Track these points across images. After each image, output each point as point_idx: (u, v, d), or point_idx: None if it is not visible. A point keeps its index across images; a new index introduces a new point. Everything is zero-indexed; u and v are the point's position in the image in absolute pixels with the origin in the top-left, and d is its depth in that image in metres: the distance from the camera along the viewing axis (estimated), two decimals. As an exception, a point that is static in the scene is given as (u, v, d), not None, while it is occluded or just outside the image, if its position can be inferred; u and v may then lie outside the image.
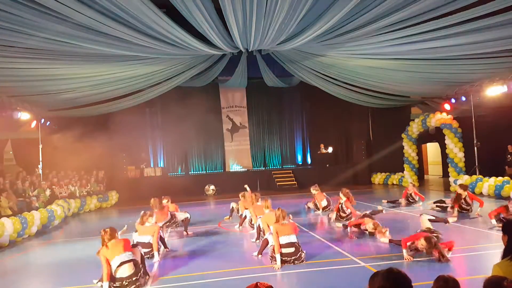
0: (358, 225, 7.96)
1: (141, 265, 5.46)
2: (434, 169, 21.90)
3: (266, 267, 6.04)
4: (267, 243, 6.35)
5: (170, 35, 9.37)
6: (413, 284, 2.18)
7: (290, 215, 7.83)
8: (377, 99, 16.59)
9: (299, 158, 21.66)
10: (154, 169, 18.65)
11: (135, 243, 6.42)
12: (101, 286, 5.18)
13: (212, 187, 18.36)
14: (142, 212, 7.34)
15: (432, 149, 21.84)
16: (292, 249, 6.01)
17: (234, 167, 20.54)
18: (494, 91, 12.70)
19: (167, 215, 9.32)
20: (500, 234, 3.24)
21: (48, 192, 12.79)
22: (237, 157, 20.61)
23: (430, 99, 16.86)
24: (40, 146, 14.14)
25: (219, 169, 20.69)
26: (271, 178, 18.64)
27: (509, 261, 2.89)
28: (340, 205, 9.42)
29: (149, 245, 6.75)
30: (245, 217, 9.37)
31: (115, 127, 16.02)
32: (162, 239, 7.29)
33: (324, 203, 11.04)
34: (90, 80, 12.19)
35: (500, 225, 6.07)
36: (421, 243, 5.86)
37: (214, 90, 19.94)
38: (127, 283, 5.13)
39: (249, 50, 12.18)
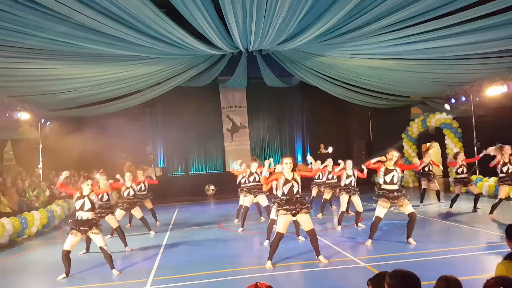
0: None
1: None
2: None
3: (266, 267, 6.04)
4: None
5: (170, 35, 9.36)
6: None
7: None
8: (377, 99, 16.57)
9: (299, 158, 21.63)
10: (154, 169, 18.62)
11: None
12: None
13: (212, 187, 18.36)
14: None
15: (432, 149, 21.76)
16: None
17: (234, 166, 20.47)
18: (494, 91, 12.68)
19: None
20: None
21: (47, 193, 12.78)
22: (237, 157, 20.55)
23: (430, 99, 16.84)
24: (40, 146, 14.13)
25: (219, 169, 20.63)
26: (271, 178, 18.58)
27: None
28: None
29: None
30: None
31: (115, 127, 16.00)
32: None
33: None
34: (90, 80, 12.17)
35: None
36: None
37: (214, 90, 19.90)
38: None
39: (249, 50, 12.17)
